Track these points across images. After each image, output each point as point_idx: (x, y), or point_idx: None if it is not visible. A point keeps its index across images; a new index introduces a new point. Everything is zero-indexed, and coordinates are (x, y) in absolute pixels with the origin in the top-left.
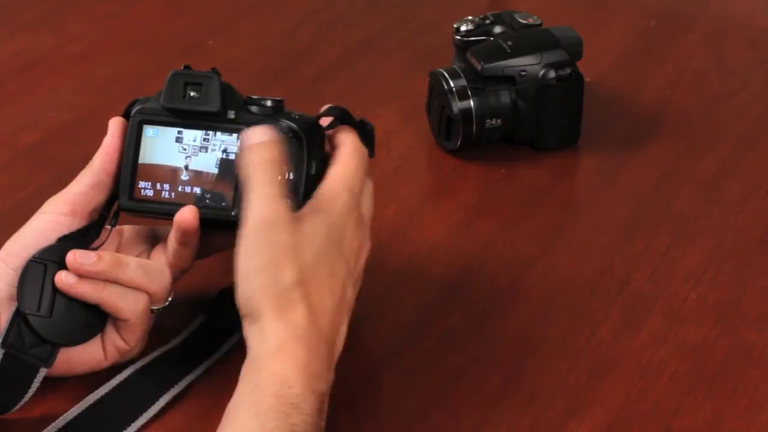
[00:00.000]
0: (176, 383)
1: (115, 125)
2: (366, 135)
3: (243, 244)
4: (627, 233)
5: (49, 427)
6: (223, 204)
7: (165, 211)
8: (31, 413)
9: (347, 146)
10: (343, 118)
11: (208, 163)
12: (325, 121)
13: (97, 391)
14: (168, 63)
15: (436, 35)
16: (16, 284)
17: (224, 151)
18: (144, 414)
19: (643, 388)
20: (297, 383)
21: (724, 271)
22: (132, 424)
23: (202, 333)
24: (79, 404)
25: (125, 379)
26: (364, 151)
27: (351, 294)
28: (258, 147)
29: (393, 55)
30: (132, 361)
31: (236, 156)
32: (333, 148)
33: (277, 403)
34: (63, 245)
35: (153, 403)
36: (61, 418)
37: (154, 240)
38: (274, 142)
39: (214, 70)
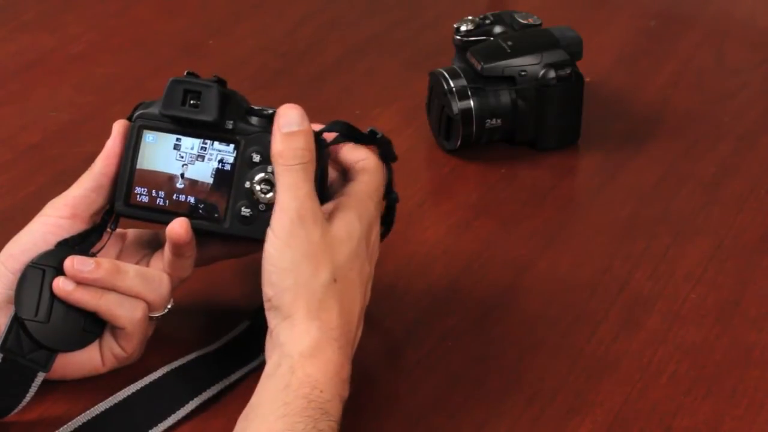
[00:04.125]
0: (210, 387)
1: (117, 129)
2: (382, 144)
3: (276, 236)
4: (627, 233)
5: (74, 420)
6: (215, 215)
7: (158, 219)
8: (28, 417)
9: (372, 161)
10: (350, 132)
11: (203, 172)
12: (329, 136)
13: (127, 388)
14: (168, 63)
15: (436, 35)
16: (14, 288)
17: (220, 161)
18: (173, 415)
19: (643, 388)
20: (327, 389)
21: (724, 271)
22: (159, 425)
23: (244, 339)
24: (108, 400)
25: (158, 378)
26: (383, 165)
27: (369, 296)
28: (290, 138)
29: (393, 55)
30: (168, 361)
31: (271, 141)
32: (350, 163)
33: (308, 407)
34: (62, 250)
35: (184, 404)
36: (87, 412)
37: (156, 245)
38: (307, 130)
39: (216, 78)
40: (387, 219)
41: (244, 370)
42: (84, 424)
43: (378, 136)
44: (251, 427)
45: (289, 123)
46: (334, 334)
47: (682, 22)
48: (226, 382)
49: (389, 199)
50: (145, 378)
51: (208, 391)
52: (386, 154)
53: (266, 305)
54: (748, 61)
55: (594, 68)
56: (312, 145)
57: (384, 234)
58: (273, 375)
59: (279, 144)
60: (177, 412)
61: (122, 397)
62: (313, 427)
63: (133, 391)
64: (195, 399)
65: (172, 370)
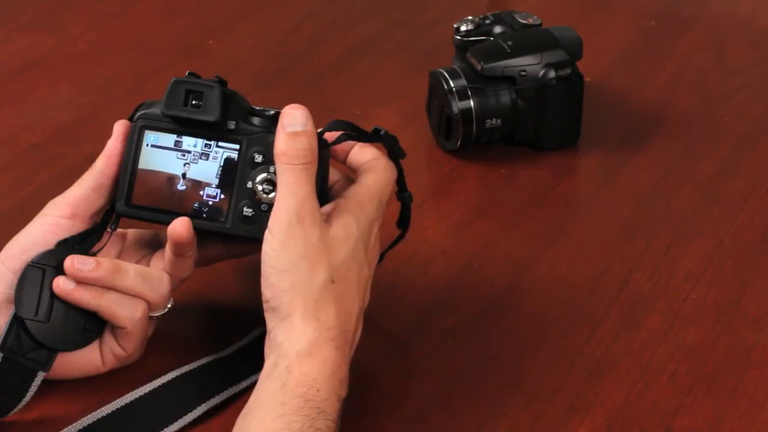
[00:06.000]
0: (219, 393)
1: (119, 129)
2: (388, 141)
3: (274, 237)
4: (627, 233)
5: (80, 421)
6: (217, 215)
7: (160, 219)
8: (28, 416)
9: (381, 161)
10: (354, 131)
11: (205, 172)
12: (331, 137)
13: (133, 392)
14: (168, 63)
15: (436, 35)
16: (15, 287)
17: (222, 161)
18: (178, 421)
19: (643, 388)
20: (324, 388)
21: (724, 271)
22: (164, 429)
23: (257, 345)
24: (112, 403)
25: (165, 383)
26: (393, 165)
27: (368, 298)
28: (294, 138)
29: (393, 55)
30: (167, 360)
31: (274, 141)
32: (359, 165)
33: (305, 406)
34: (62, 250)
35: (191, 410)
36: (91, 415)
37: (156, 245)
38: (311, 132)
39: (218, 78)
40: (402, 220)
41: (254, 378)
42: (89, 425)
43: (382, 133)
44: (249, 427)
45: (294, 123)
46: (331, 334)
47: (682, 22)
48: (236, 388)
49: (403, 198)
50: (153, 382)
51: (216, 397)
52: (393, 151)
53: (264, 306)
54: (748, 61)
55: (594, 68)
56: (315, 147)
57: (400, 236)
58: (270, 375)
59: (282, 143)
60: (183, 417)
61: (129, 400)
62: (310, 426)
63: (139, 395)
64: (204, 404)
65: (180, 375)
